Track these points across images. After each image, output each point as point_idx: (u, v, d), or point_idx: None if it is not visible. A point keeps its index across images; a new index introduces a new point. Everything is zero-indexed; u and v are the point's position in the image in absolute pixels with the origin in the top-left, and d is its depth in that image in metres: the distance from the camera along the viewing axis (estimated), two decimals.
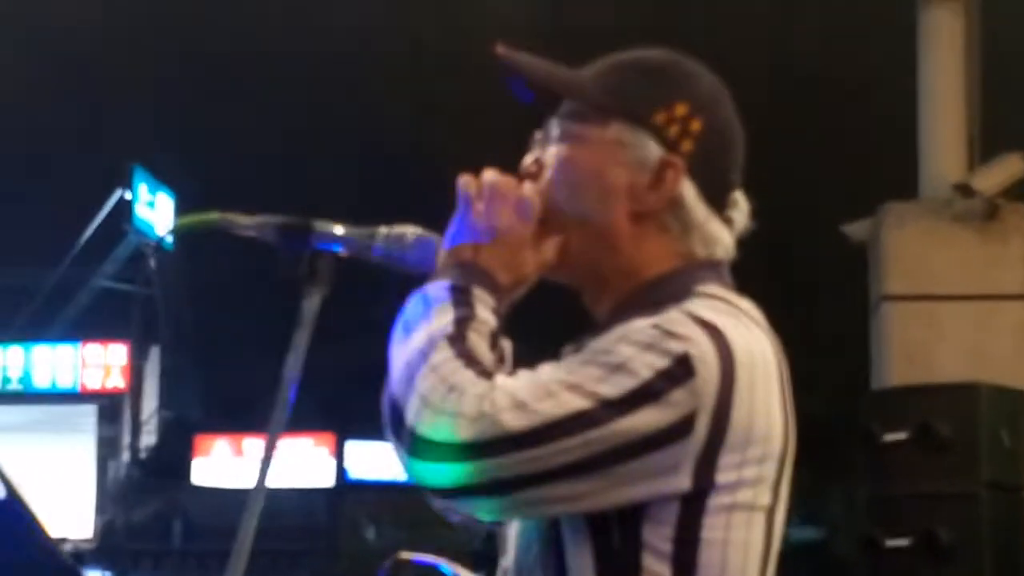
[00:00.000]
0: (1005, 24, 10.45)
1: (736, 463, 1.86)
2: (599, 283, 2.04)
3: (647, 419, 1.80)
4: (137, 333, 21.28)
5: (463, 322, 1.89)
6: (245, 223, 2.14)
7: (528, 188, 2.03)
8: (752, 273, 2.05)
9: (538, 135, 2.10)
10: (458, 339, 1.87)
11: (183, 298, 21.59)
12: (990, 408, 6.94)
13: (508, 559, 2.01)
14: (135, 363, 21.43)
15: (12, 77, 17.03)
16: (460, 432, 1.79)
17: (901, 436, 6.96)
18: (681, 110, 2.02)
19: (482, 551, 18.58)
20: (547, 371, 1.85)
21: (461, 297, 1.91)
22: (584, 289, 2.07)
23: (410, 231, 2.11)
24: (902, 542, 6.86)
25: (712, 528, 1.86)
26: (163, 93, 18.09)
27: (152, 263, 20.68)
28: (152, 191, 20.99)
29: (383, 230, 2.12)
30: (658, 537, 1.85)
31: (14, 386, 21.73)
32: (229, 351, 23.81)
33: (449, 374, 1.83)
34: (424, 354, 1.86)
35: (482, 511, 1.93)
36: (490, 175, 2.02)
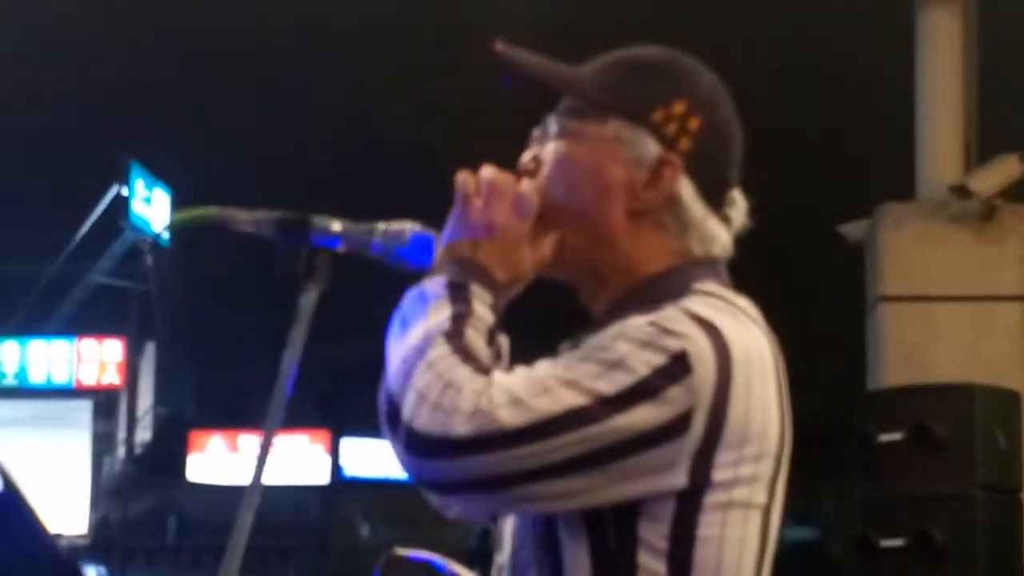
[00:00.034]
0: (1003, 26, 10.45)
1: (732, 461, 1.86)
2: (596, 280, 2.04)
3: (644, 416, 1.80)
4: (133, 329, 21.27)
5: (460, 318, 1.89)
6: (243, 218, 2.14)
7: (526, 185, 2.03)
8: (749, 272, 2.05)
9: (536, 132, 2.10)
10: (455, 335, 1.87)
11: (179, 294, 21.59)
12: (986, 409, 6.94)
13: (503, 555, 2.01)
14: (131, 359, 21.41)
15: (10, 74, 17.03)
16: (457, 428, 1.79)
17: (896, 437, 6.97)
18: (679, 108, 2.02)
19: (477, 548, 18.62)
20: (544, 367, 1.85)
21: (458, 293, 1.92)
22: (581, 286, 2.07)
23: (408, 227, 2.11)
24: (896, 542, 6.86)
25: (708, 525, 1.86)
26: (162, 89, 18.07)
27: (148, 259, 20.68)
28: (149, 187, 20.98)
29: (381, 226, 2.12)
30: (654, 534, 1.85)
31: (9, 381, 21.72)
32: (225, 347, 23.81)
33: (446, 370, 1.83)
34: (421, 350, 1.86)
35: (478, 507, 1.93)
36: (488, 172, 2.02)
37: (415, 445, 1.82)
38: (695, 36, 2.17)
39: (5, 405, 20.66)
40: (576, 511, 1.86)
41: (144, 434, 22.69)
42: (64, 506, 19.80)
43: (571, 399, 1.80)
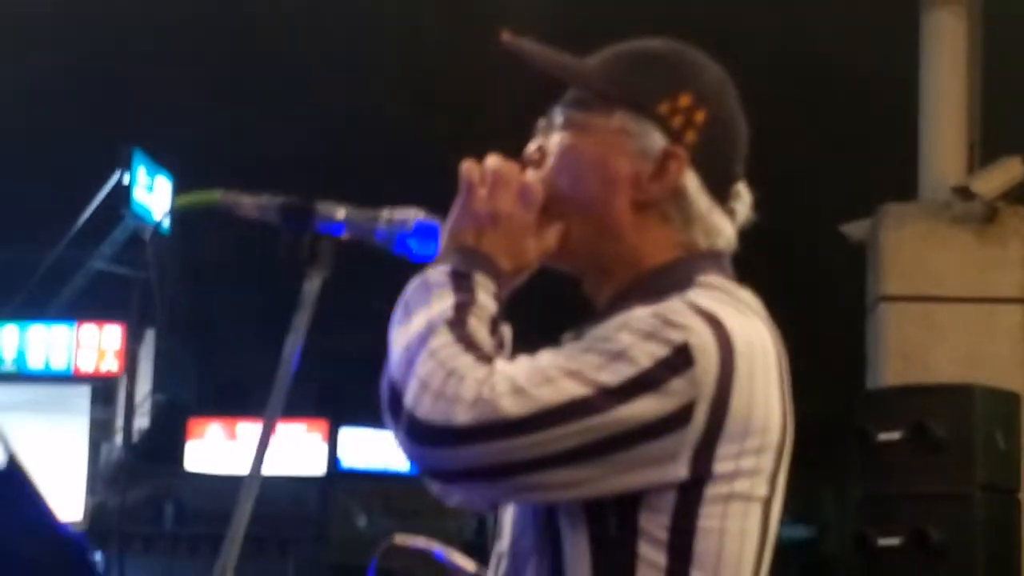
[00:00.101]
0: (1007, 27, 10.44)
1: (734, 453, 1.86)
2: (600, 271, 2.04)
3: (646, 407, 1.80)
4: (133, 316, 21.25)
5: (463, 307, 1.89)
6: (247, 203, 2.13)
7: (531, 175, 2.04)
8: (750, 270, 2.05)
9: (542, 123, 2.10)
10: (458, 324, 1.87)
11: (179, 281, 21.58)
12: (985, 410, 6.94)
13: (503, 544, 2.01)
14: (130, 346, 21.40)
15: (11, 62, 17.02)
16: (459, 416, 1.79)
17: (896, 436, 6.97)
18: (685, 100, 2.02)
19: (474, 540, 18.62)
20: (547, 357, 1.85)
21: (462, 282, 1.92)
22: (585, 277, 2.07)
23: (413, 214, 2.11)
24: (894, 541, 6.86)
25: (709, 517, 1.86)
26: (165, 76, 18.05)
27: (148, 246, 20.68)
28: (151, 175, 20.97)
29: (386, 213, 2.11)
30: (654, 525, 1.85)
31: (8, 366, 21.71)
32: (225, 335, 23.79)
33: (448, 359, 1.83)
34: (424, 338, 1.86)
35: (479, 496, 1.93)
36: (493, 161, 2.02)
37: (417, 433, 1.82)
38: (697, 30, 2.16)
39: (3, 390, 20.64)
40: (577, 501, 1.86)
41: (142, 421, 22.67)
42: (60, 492, 19.80)
43: (573, 389, 1.80)
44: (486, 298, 1.91)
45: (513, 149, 2.08)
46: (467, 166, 2.02)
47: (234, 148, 16.76)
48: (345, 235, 2.11)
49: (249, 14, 16.95)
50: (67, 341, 21.78)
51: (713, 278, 1.97)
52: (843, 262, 10.36)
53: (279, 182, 2.24)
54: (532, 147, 2.09)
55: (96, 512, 20.83)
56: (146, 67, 18.05)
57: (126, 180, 20.51)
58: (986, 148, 9.33)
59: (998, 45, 9.78)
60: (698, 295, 1.90)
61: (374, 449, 22.37)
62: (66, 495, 20.42)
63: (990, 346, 8.54)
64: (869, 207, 9.19)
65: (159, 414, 23.17)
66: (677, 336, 1.83)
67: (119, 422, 21.80)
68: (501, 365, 1.83)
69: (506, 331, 1.95)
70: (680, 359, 1.82)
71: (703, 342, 1.83)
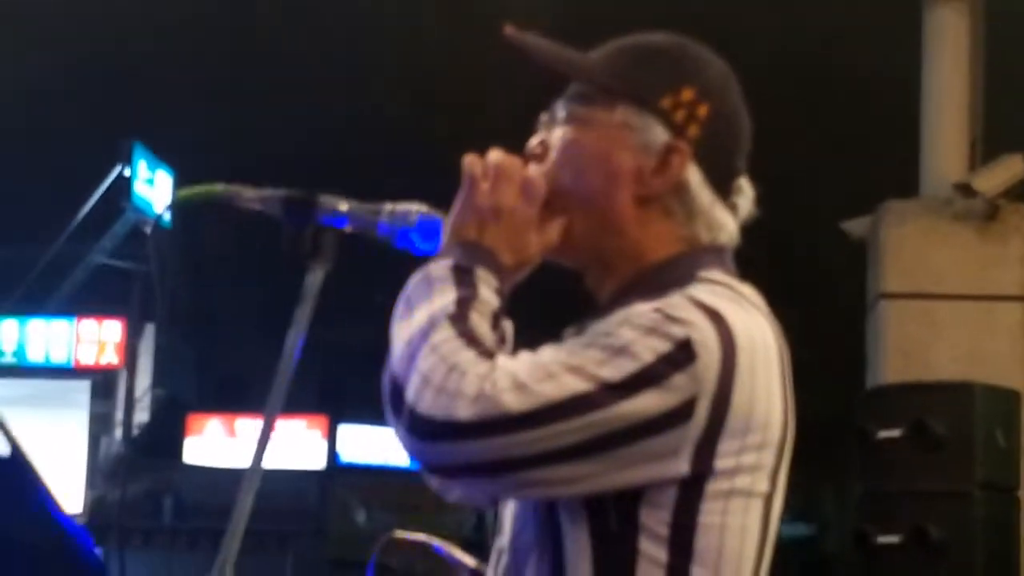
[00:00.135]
0: (1009, 24, 10.43)
1: (735, 449, 1.86)
2: (602, 266, 2.03)
3: (647, 403, 1.80)
4: (134, 310, 21.24)
5: (465, 302, 1.88)
6: (249, 195, 2.13)
7: (533, 169, 2.03)
8: (751, 268, 2.05)
9: (544, 117, 2.10)
10: (460, 319, 1.86)
11: (180, 276, 21.55)
12: (985, 408, 6.94)
13: (503, 539, 2.01)
14: (130, 340, 21.39)
15: (12, 58, 17.02)
16: (460, 412, 1.78)
17: (896, 434, 6.96)
18: (688, 95, 2.02)
19: (472, 536, 18.62)
20: (548, 353, 1.85)
21: (464, 277, 1.91)
22: (587, 272, 2.07)
23: (415, 208, 2.10)
24: (893, 539, 6.86)
25: (709, 513, 1.86)
26: (167, 70, 18.03)
27: (149, 240, 20.65)
28: (152, 168, 20.97)
29: (388, 207, 2.11)
30: (655, 521, 1.84)
31: (8, 360, 21.70)
32: (225, 330, 23.79)
33: (450, 353, 1.82)
34: (425, 333, 1.85)
35: (480, 491, 1.92)
36: (496, 155, 2.02)
37: (418, 429, 1.81)
38: (698, 28, 2.16)
39: (3, 384, 20.63)
40: (578, 497, 1.86)
41: (142, 415, 22.66)
42: (60, 486, 19.82)
43: (575, 385, 1.79)
44: (488, 293, 1.91)
45: (514, 149, 2.07)
46: (469, 160, 2.01)
47: (234, 148, 16.73)
48: (348, 228, 2.11)
49: (249, 14, 16.94)
50: (67, 335, 21.77)
51: (715, 273, 1.97)
52: (844, 259, 10.35)
53: (279, 180, 2.24)
54: (534, 141, 2.08)
55: (95, 506, 20.82)
56: (146, 66, 18.04)
57: (127, 173, 20.53)
58: (988, 145, 9.32)
59: (1000, 42, 9.77)
60: (700, 290, 1.90)
61: (373, 444, 22.37)
62: (66, 489, 20.41)
63: (991, 344, 8.53)
64: (870, 204, 9.19)
65: (159, 408, 23.16)
66: (679, 331, 1.82)
67: (119, 416, 21.79)
68: (503, 360, 1.82)
69: (508, 326, 1.94)
70: (682, 354, 1.81)
71: (705, 337, 1.83)
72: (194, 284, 22.14)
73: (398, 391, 1.84)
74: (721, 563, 1.87)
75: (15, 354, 22.01)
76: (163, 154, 20.87)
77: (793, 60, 14.91)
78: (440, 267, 1.93)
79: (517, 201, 1.98)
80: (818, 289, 16.25)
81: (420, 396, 1.81)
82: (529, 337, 1.94)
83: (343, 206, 2.10)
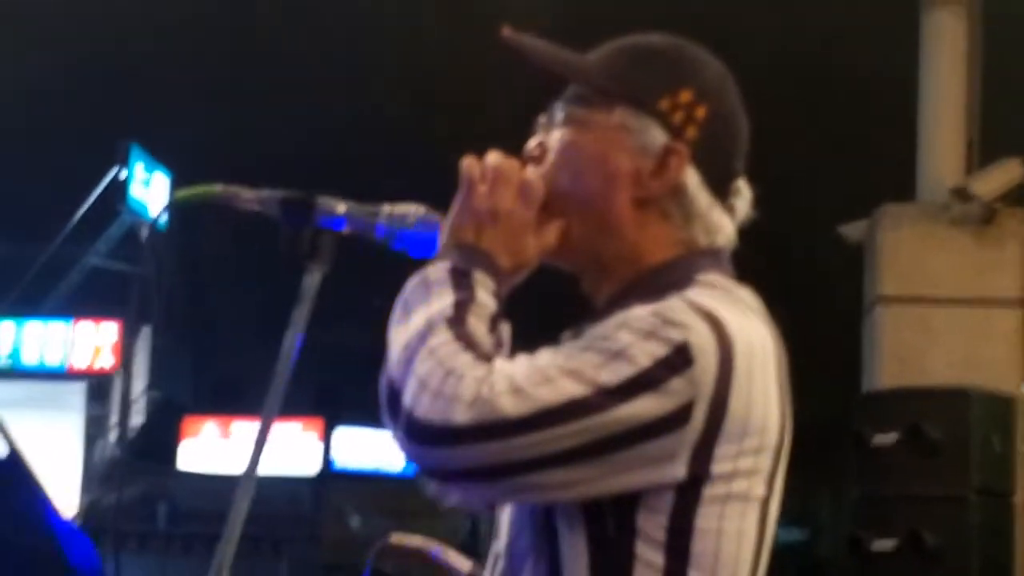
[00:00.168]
0: (1007, 27, 10.43)
1: (732, 453, 1.85)
2: (600, 269, 2.03)
3: (645, 407, 1.79)
4: (130, 312, 21.22)
5: (463, 305, 1.88)
6: (247, 196, 2.13)
7: (531, 172, 2.03)
8: (747, 271, 2.04)
9: (542, 119, 2.10)
10: (457, 322, 1.86)
11: (176, 276, 21.53)
12: (981, 413, 6.94)
13: (500, 544, 2.00)
14: (126, 342, 21.37)
15: (10, 57, 17.02)
16: (457, 416, 1.78)
17: (891, 439, 6.96)
18: (686, 96, 2.01)
19: (467, 542, 18.61)
20: (546, 356, 1.84)
21: (461, 280, 1.91)
22: (584, 275, 2.06)
23: (414, 210, 2.10)
24: (888, 544, 6.86)
25: (706, 517, 1.85)
26: (165, 71, 18.03)
27: (144, 243, 20.64)
28: (149, 169, 20.96)
29: (387, 208, 2.10)
30: (652, 525, 1.84)
31: (3, 362, 21.68)
32: (221, 331, 23.77)
33: (447, 357, 1.82)
34: (423, 336, 1.85)
35: (477, 496, 1.91)
36: (494, 157, 2.01)
37: (416, 433, 1.80)
38: (695, 31, 2.15)
39: None
40: (575, 501, 1.85)
41: (138, 418, 22.63)
42: (55, 489, 19.76)
43: (572, 389, 1.79)
44: (485, 296, 1.90)
45: (513, 149, 2.07)
46: (467, 162, 2.01)
47: (232, 148, 16.73)
48: (346, 230, 2.10)
49: (248, 14, 16.94)
50: (63, 337, 21.75)
51: (713, 276, 1.96)
52: (840, 263, 10.35)
53: (279, 181, 2.23)
54: (533, 143, 2.08)
55: (90, 510, 20.80)
56: (146, 67, 18.05)
57: (122, 175, 20.51)
58: (985, 149, 9.33)
59: (998, 46, 9.77)
60: (698, 294, 1.89)
61: (367, 449, 22.36)
62: (61, 492, 20.39)
63: (987, 349, 8.54)
64: (867, 208, 9.19)
65: (155, 411, 23.13)
66: (676, 335, 1.82)
67: (114, 419, 21.77)
68: (500, 364, 1.82)
69: (505, 329, 1.94)
70: (679, 358, 1.81)
71: (702, 341, 1.82)
72: (191, 285, 22.13)
73: (395, 395, 1.83)
74: (718, 567, 1.87)
75: (10, 356, 21.98)
76: (161, 155, 20.86)
77: (790, 61, 14.91)
78: (437, 270, 1.92)
79: (515, 204, 1.97)
80: (814, 293, 16.25)
81: (417, 400, 1.80)
82: (527, 340, 1.93)
83: (341, 208, 2.10)
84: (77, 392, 21.79)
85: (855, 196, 9.51)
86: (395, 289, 1.94)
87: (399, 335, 1.88)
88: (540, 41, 2.05)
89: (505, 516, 2.00)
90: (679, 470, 1.82)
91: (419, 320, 1.87)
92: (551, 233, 2.00)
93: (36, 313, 21.95)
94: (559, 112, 2.06)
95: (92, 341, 21.72)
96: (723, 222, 2.02)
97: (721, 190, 2.02)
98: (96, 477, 21.58)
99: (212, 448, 22.74)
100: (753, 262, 2.16)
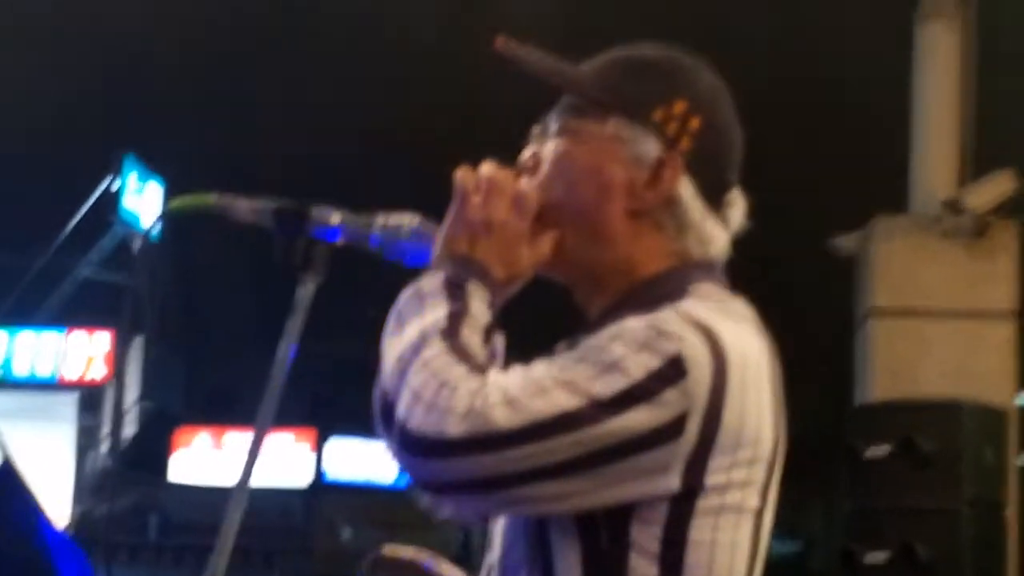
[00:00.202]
0: (1001, 40, 10.44)
1: (726, 465, 1.84)
2: (593, 280, 2.03)
3: (638, 419, 1.78)
4: (123, 322, 21.19)
5: (457, 317, 1.87)
6: (241, 206, 2.12)
7: (525, 183, 2.02)
8: (739, 282, 2.04)
9: (536, 129, 2.09)
10: (451, 334, 1.85)
11: (168, 288, 21.52)
12: (973, 426, 6.94)
13: (493, 556, 2.00)
14: (118, 353, 21.34)
15: (4, 69, 17.00)
16: (451, 428, 1.77)
17: (883, 451, 6.96)
18: (680, 107, 2.01)
19: (459, 554, 18.59)
20: (540, 368, 1.83)
21: (455, 291, 1.90)
22: (578, 286, 2.06)
23: (408, 220, 2.09)
24: (881, 556, 6.86)
25: (700, 529, 1.85)
26: (160, 82, 18.03)
27: (136, 254, 20.61)
28: (142, 179, 20.95)
29: (381, 219, 2.10)
30: (646, 537, 1.83)
31: None
32: (214, 341, 23.74)
33: (441, 369, 1.81)
34: (416, 348, 1.84)
35: (470, 508, 1.91)
36: (487, 168, 2.01)
37: (409, 445, 1.80)
38: (689, 44, 2.15)
39: None
40: (569, 513, 1.84)
41: (130, 429, 22.59)
42: (46, 500, 19.70)
43: (566, 401, 1.78)
44: (479, 307, 1.90)
45: (512, 154, 2.06)
46: (461, 173, 2.00)
47: (228, 158, 16.71)
48: (340, 240, 2.09)
49: (243, 24, 16.93)
50: (56, 348, 21.71)
51: (706, 287, 1.96)
52: (833, 275, 10.35)
53: (273, 188, 2.23)
54: (527, 154, 2.08)
55: (82, 521, 20.76)
56: (141, 77, 18.04)
57: (115, 186, 20.49)
58: (978, 162, 9.33)
59: (991, 58, 9.78)
60: (691, 305, 1.89)
61: (359, 461, 22.33)
62: (52, 503, 20.34)
63: (979, 361, 8.54)
64: (860, 220, 9.19)
65: (147, 421, 23.10)
66: (670, 347, 1.81)
67: (106, 429, 21.73)
68: (494, 376, 1.81)
69: (499, 340, 1.93)
70: (673, 370, 1.80)
71: (696, 353, 1.82)
72: (184, 296, 22.10)
73: (389, 407, 1.83)
74: None
75: (2, 367, 21.94)
76: (155, 164, 20.83)
77: (784, 73, 14.92)
78: (431, 281, 1.92)
79: (509, 215, 1.97)
80: (807, 304, 16.24)
81: (411, 412, 1.80)
82: (521, 351, 1.93)
83: (335, 218, 2.09)
84: (69, 403, 21.76)
85: (848, 208, 9.51)
86: (389, 300, 1.94)
87: (393, 347, 1.87)
88: (535, 51, 2.05)
89: (499, 528, 1.99)
90: (673, 482, 1.82)
91: (413, 332, 1.86)
92: (545, 244, 2.00)
93: (29, 323, 21.91)
94: (553, 123, 2.06)
95: (85, 351, 21.68)
96: (717, 233, 2.02)
97: (715, 201, 2.02)
98: (88, 488, 21.55)
99: (204, 459, 22.70)
100: (745, 274, 2.15)
